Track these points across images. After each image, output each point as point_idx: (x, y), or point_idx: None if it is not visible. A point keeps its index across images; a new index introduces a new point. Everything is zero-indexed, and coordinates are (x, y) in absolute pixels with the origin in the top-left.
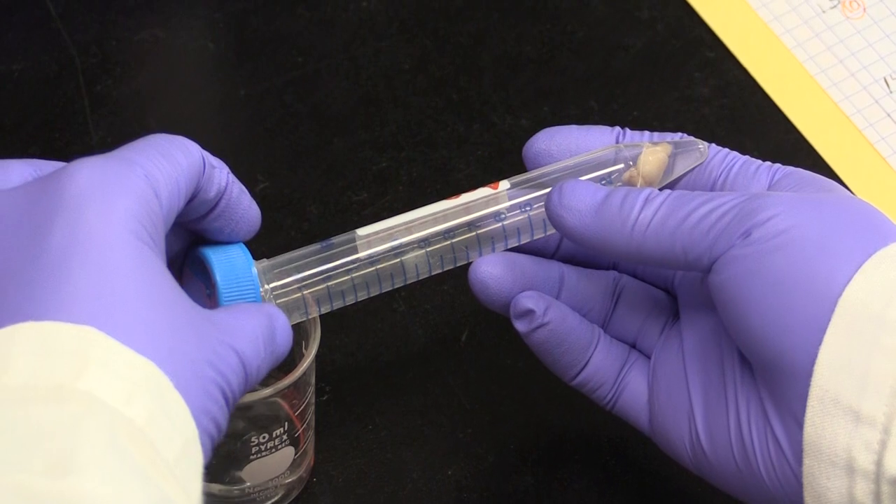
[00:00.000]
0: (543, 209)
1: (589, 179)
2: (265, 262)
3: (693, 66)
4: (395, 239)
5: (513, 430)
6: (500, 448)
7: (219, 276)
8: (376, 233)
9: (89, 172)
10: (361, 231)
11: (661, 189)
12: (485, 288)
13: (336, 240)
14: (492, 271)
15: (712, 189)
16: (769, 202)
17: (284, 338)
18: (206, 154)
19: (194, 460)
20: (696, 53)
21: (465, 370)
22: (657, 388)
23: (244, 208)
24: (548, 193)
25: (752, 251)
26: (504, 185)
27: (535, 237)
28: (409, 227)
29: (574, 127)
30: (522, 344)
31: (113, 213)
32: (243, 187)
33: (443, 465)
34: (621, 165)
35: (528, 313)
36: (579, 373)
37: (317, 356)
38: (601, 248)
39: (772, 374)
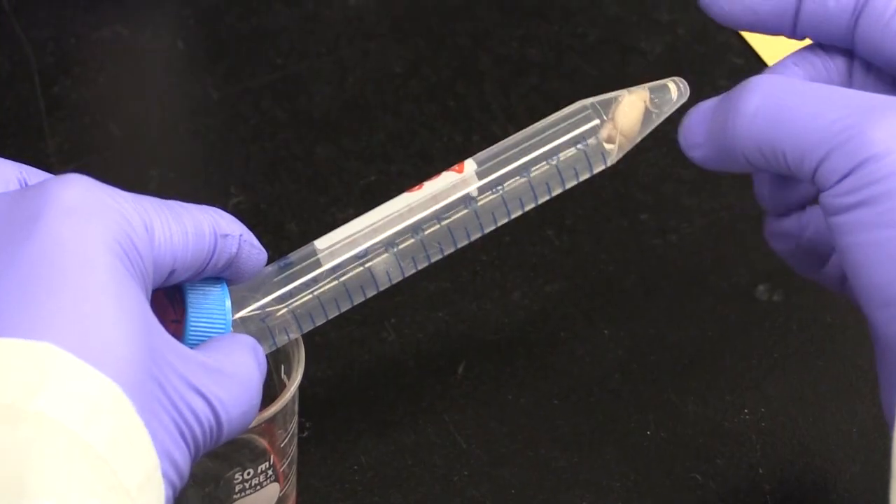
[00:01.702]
0: (517, 184)
1: (564, 142)
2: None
3: (719, 74)
4: (359, 245)
5: (514, 473)
6: (499, 492)
7: (191, 311)
8: (337, 242)
9: (76, 188)
10: (320, 242)
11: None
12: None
13: (294, 256)
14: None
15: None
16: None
17: (260, 381)
18: (218, 221)
19: (158, 492)
20: (723, 60)
21: (462, 406)
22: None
23: (252, 263)
24: (679, 130)
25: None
26: (469, 165)
27: (513, 216)
28: (372, 230)
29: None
30: (525, 377)
31: (91, 228)
32: (254, 241)
33: None
34: (596, 122)
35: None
36: None
37: (299, 387)
38: (726, 167)
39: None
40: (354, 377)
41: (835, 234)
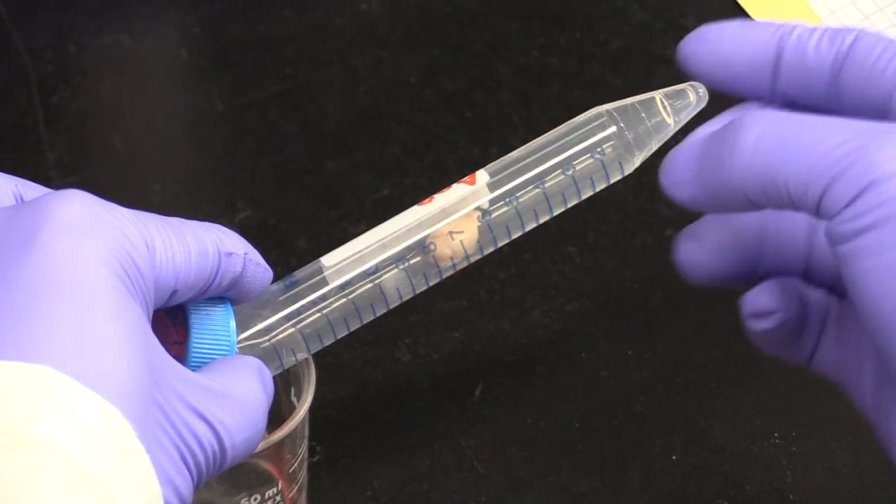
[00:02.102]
0: (531, 195)
1: (580, 150)
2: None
3: None
4: (367, 261)
5: (533, 499)
6: None
7: (193, 332)
8: (344, 259)
9: (74, 204)
10: (327, 259)
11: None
12: (696, 274)
13: (300, 274)
14: (695, 249)
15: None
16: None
17: (266, 405)
18: (222, 239)
19: None
20: None
21: (479, 429)
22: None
23: (258, 282)
24: (661, 166)
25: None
26: (482, 177)
27: (528, 228)
28: (381, 245)
29: (730, 25)
30: (546, 399)
31: (90, 246)
32: (259, 259)
33: None
34: (612, 129)
35: (770, 314)
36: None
37: (309, 409)
38: (709, 209)
39: None
40: (367, 399)
41: (842, 264)
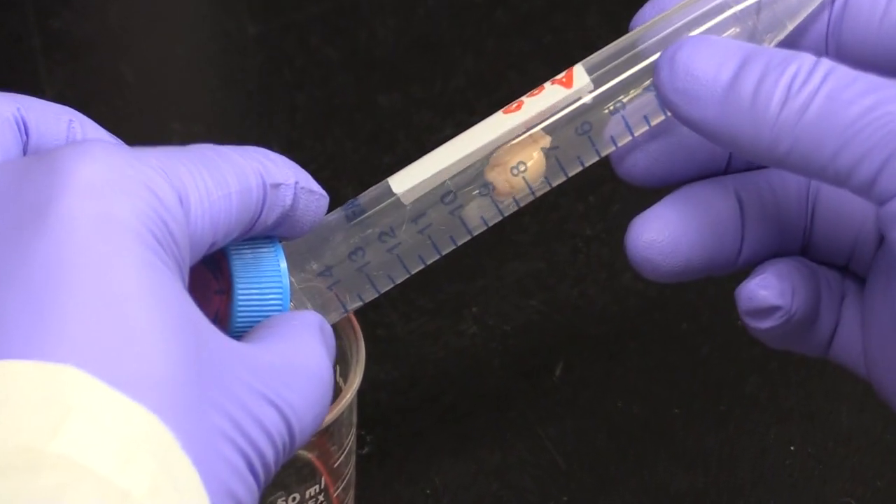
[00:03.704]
0: (645, 97)
1: (704, 32)
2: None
3: None
4: (446, 188)
5: (625, 499)
6: None
7: (238, 284)
8: (418, 180)
9: (94, 162)
10: (396, 182)
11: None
12: (654, 267)
13: (364, 199)
14: (658, 239)
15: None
16: None
17: (331, 371)
18: (267, 167)
19: None
20: None
21: (560, 416)
22: (869, 332)
23: (311, 214)
24: (655, 64)
25: None
26: (580, 76)
27: (637, 134)
28: (463, 161)
29: None
30: (639, 380)
31: (116, 217)
32: (313, 186)
33: None
34: (750, 1)
35: (772, 312)
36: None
37: (358, 392)
38: (733, 148)
39: None
40: (426, 380)
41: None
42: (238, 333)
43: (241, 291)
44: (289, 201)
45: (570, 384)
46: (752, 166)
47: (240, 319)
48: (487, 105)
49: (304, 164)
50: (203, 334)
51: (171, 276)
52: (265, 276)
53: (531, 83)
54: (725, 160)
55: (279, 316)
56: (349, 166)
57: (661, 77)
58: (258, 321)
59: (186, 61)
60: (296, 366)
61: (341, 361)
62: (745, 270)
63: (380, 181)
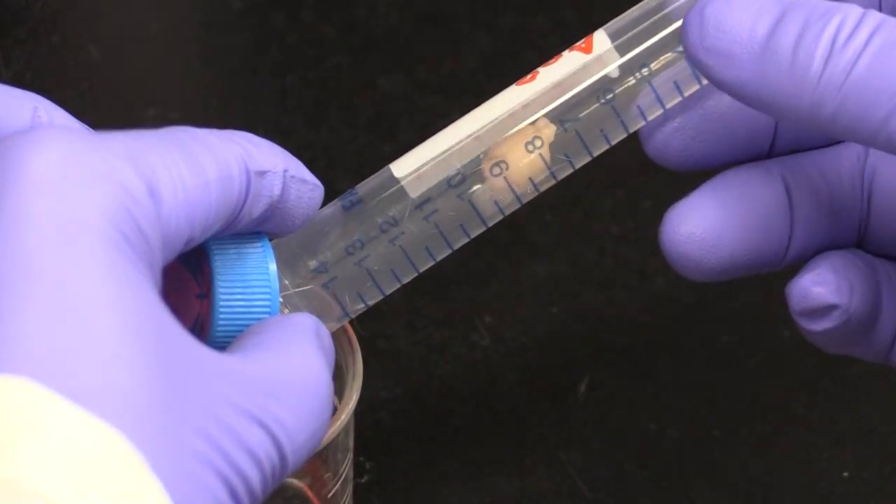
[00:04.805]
0: (669, 65)
1: None
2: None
3: None
4: (453, 166)
5: None
6: None
7: (220, 285)
8: (423, 164)
9: (53, 150)
10: (398, 167)
11: None
12: (694, 264)
13: (363, 189)
14: (697, 232)
15: None
16: None
17: (330, 382)
18: (250, 152)
19: None
20: None
21: (585, 439)
22: None
23: (304, 206)
24: (683, 21)
25: None
26: (601, 40)
27: (669, 106)
28: (473, 141)
29: None
30: (674, 398)
31: (76, 213)
32: (305, 174)
33: None
34: None
35: (828, 312)
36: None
37: (355, 412)
38: (773, 112)
39: None
40: (433, 398)
41: None
42: (221, 342)
43: (223, 294)
44: (277, 191)
45: (596, 403)
46: (799, 148)
47: (222, 326)
48: (501, 89)
49: (296, 155)
50: (177, 344)
51: (140, 279)
52: (251, 277)
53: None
54: (770, 139)
55: (268, 320)
56: (346, 157)
57: (690, 35)
58: (244, 328)
59: (162, 38)
60: (287, 377)
61: (336, 377)
62: (794, 269)
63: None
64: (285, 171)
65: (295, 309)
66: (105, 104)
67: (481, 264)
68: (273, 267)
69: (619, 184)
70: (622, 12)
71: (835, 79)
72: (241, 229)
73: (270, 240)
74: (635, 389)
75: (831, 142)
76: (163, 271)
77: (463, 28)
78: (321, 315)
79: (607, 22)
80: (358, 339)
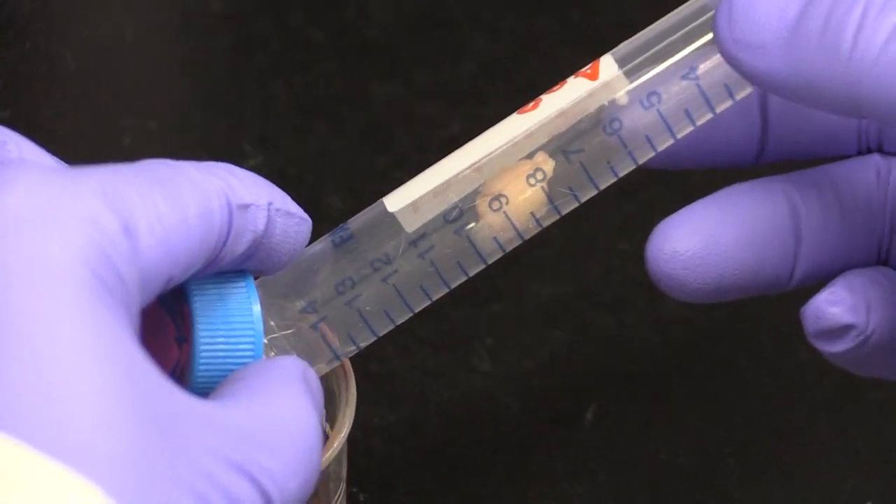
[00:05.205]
0: (680, 92)
1: None
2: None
3: None
4: (451, 200)
5: None
6: None
7: (201, 329)
8: (418, 197)
9: (20, 189)
10: (392, 201)
11: None
12: (678, 284)
13: (354, 225)
14: (681, 251)
15: None
16: None
17: (319, 429)
18: (232, 186)
19: None
20: None
21: (591, 469)
22: None
23: (290, 242)
24: (713, 17)
25: None
26: (608, 66)
27: (680, 136)
28: (472, 173)
29: None
30: (687, 425)
31: (48, 257)
32: (291, 207)
33: None
34: None
35: (845, 332)
36: None
37: (348, 439)
38: (808, 101)
39: None
40: (430, 426)
41: None
42: (203, 389)
43: (203, 338)
44: (261, 226)
45: (603, 431)
46: (793, 158)
47: (203, 372)
48: (503, 95)
49: (281, 167)
50: (157, 393)
51: (118, 325)
52: (233, 319)
53: (555, 68)
54: (755, 146)
55: (252, 365)
56: (336, 170)
57: (720, 29)
58: (227, 373)
59: (139, 44)
60: (273, 425)
61: (328, 403)
62: (814, 288)
63: (374, 187)
64: (270, 204)
65: (282, 351)
66: (80, 114)
67: (481, 283)
68: (257, 308)
69: (628, 197)
70: (630, 11)
71: (868, 55)
72: (223, 267)
73: (256, 278)
74: (645, 416)
75: (829, 153)
76: (141, 313)
77: (461, 30)
78: (311, 358)
79: (613, 21)
80: (351, 362)
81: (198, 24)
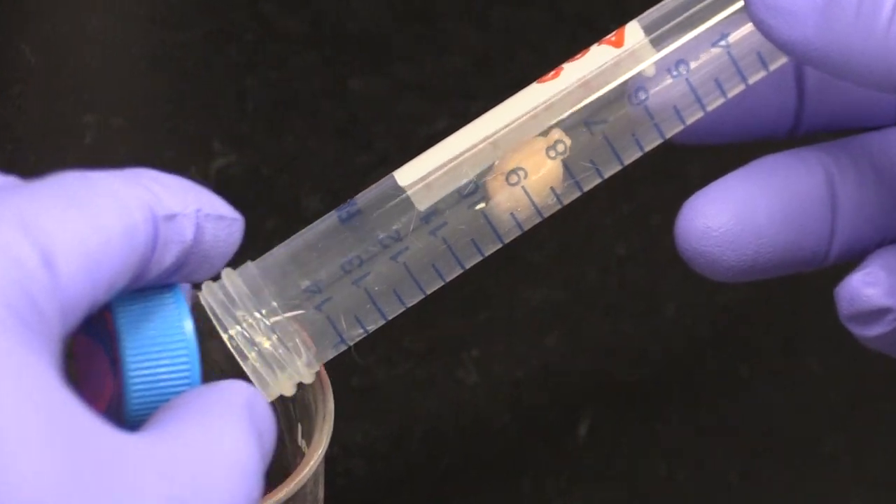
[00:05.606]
0: (711, 60)
1: None
2: (250, 268)
3: None
4: (466, 174)
5: None
6: None
7: (129, 355)
8: (433, 170)
9: None
10: (402, 176)
11: None
12: (711, 262)
13: (362, 199)
14: (714, 226)
15: None
16: None
17: (260, 467)
18: (156, 195)
19: None
20: None
21: (586, 486)
22: None
23: (222, 246)
24: None
25: None
26: (633, 32)
27: (710, 108)
28: (489, 146)
29: None
30: (686, 439)
31: None
32: (221, 209)
33: None
34: None
35: (882, 315)
36: None
37: (326, 457)
38: (841, 73)
39: None
40: (414, 442)
41: None
42: (139, 416)
43: (132, 362)
44: (189, 235)
45: (598, 446)
46: (832, 129)
47: (136, 399)
48: (492, 90)
49: (255, 167)
50: (81, 433)
51: (37, 363)
52: (162, 339)
53: (545, 60)
54: (791, 116)
55: (189, 392)
56: (314, 169)
57: None
58: (163, 397)
59: (103, 36)
60: (206, 458)
61: (304, 418)
62: (828, 278)
63: (354, 187)
64: (198, 210)
65: (286, 335)
66: (40, 110)
67: (468, 288)
68: (189, 325)
69: (624, 197)
70: (626, 3)
71: None
72: (151, 281)
73: (198, 286)
74: (642, 430)
75: (867, 125)
76: (74, 341)
77: (447, 21)
78: (315, 342)
79: (607, 11)
80: (329, 374)
81: (167, 16)
